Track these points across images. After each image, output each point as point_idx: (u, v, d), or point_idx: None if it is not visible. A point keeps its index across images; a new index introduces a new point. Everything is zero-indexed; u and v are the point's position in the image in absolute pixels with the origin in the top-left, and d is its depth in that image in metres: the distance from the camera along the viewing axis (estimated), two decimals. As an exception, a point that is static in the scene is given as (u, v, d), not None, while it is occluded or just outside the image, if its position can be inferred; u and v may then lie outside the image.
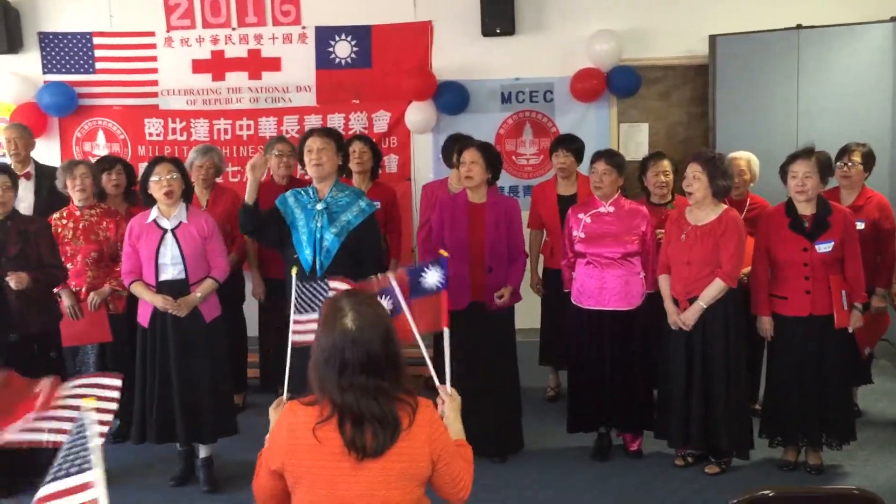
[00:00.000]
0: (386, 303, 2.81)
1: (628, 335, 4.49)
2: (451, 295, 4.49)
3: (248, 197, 4.25)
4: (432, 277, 3.11)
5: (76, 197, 4.87)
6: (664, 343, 4.43)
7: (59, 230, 4.84)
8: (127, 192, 5.31)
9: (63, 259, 4.80)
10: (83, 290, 4.82)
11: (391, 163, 6.82)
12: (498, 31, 6.62)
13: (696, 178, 4.23)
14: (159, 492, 4.46)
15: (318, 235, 4.21)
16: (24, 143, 5.70)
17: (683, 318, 4.27)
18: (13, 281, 4.18)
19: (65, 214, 4.91)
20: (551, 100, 6.83)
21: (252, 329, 5.68)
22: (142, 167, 6.63)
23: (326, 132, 4.42)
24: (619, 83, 6.64)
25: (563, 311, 5.10)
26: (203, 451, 4.52)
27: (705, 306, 4.21)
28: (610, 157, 4.54)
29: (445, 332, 3.00)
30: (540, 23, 6.74)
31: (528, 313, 5.30)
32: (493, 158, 4.60)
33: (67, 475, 2.18)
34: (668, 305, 4.36)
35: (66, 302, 4.81)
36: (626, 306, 4.46)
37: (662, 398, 4.52)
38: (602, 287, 4.46)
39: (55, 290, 4.70)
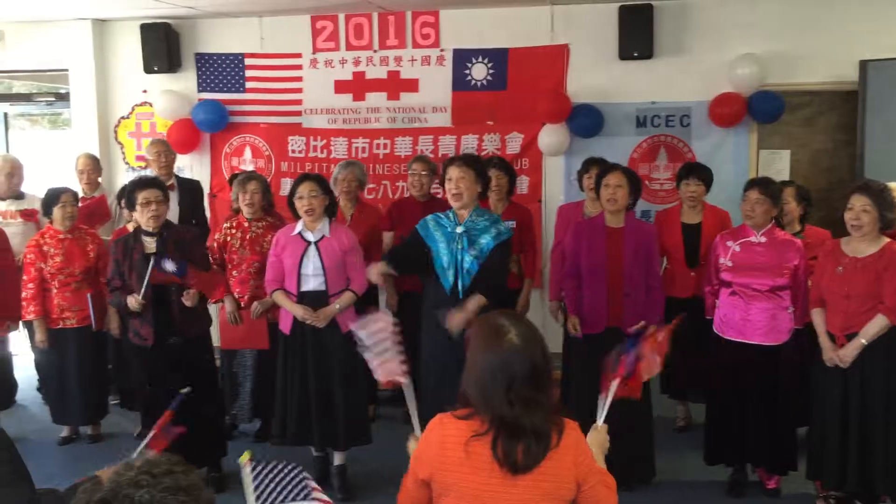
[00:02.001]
0: None
1: (773, 371, 4.32)
2: (587, 319, 4.52)
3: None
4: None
5: (245, 210, 5.15)
6: (817, 380, 4.25)
7: (228, 239, 5.16)
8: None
9: (229, 267, 5.10)
10: (246, 297, 5.09)
11: (522, 184, 6.85)
12: (636, 54, 6.57)
13: (865, 211, 4.03)
14: (295, 495, 4.63)
15: (459, 258, 4.28)
16: (171, 156, 6.10)
17: (841, 355, 4.07)
18: (188, 300, 4.42)
19: (234, 224, 5.20)
20: (688, 124, 6.71)
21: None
22: (284, 182, 7.06)
23: (466, 161, 4.41)
24: (760, 108, 6.46)
25: (685, 341, 5.00)
26: (337, 459, 4.67)
27: (866, 343, 4.01)
28: (764, 186, 4.40)
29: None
30: (679, 46, 6.65)
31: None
32: (636, 183, 4.58)
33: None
34: (824, 341, 4.17)
35: (227, 308, 5.10)
36: (771, 341, 4.31)
37: (814, 437, 4.31)
38: (746, 319, 4.33)
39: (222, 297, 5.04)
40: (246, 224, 5.17)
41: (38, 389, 6.18)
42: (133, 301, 4.43)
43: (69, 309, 5.28)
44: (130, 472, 1.48)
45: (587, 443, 2.49)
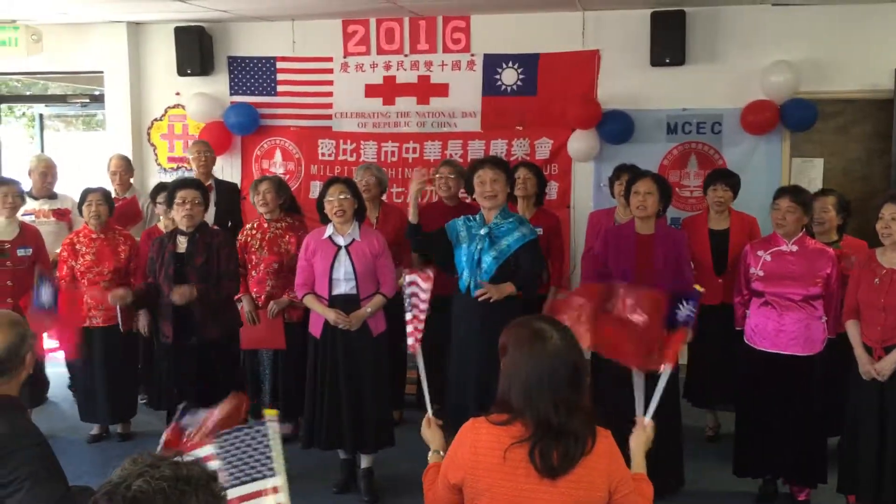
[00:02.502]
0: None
1: (805, 382, 4.26)
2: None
3: (411, 217, 4.48)
4: (684, 312, 3.00)
5: (261, 210, 5.19)
6: (852, 392, 4.18)
7: (248, 239, 5.21)
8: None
9: (248, 267, 5.14)
10: (262, 297, 5.13)
11: (551, 190, 6.80)
12: (667, 60, 6.53)
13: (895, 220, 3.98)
14: (322, 497, 4.64)
15: (476, 257, 4.32)
16: (211, 157, 6.17)
17: (879, 368, 4.00)
18: (176, 296, 4.44)
19: (255, 225, 5.26)
20: (719, 131, 6.66)
21: (411, 346, 5.80)
22: (313, 186, 7.09)
23: (497, 163, 4.48)
24: (793, 116, 6.39)
25: (712, 348, 4.96)
26: (364, 462, 4.67)
27: None
28: (795, 194, 4.35)
29: (667, 368, 2.85)
30: (712, 53, 6.60)
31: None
32: (666, 190, 4.55)
33: (252, 480, 2.27)
34: (861, 354, 4.09)
35: (245, 308, 5.14)
36: (804, 352, 4.25)
37: (847, 450, 4.24)
38: (780, 330, 4.27)
39: (236, 297, 5.02)
40: (266, 225, 5.22)
41: (69, 387, 6.25)
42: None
43: (96, 308, 5.33)
44: (135, 467, 1.50)
45: (631, 444, 2.52)
